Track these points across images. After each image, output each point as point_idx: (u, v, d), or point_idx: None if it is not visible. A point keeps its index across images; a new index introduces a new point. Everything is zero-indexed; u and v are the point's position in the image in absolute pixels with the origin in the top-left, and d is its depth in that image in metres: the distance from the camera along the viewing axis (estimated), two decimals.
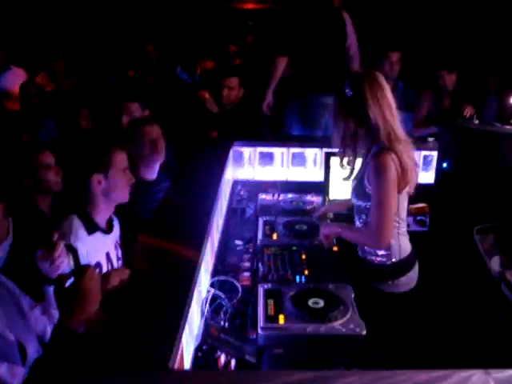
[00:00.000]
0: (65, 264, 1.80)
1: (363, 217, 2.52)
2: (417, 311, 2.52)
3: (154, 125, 3.21)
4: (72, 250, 1.59)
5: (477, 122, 3.51)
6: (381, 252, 2.48)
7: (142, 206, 3.05)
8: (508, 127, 3.53)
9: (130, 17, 6.99)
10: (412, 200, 3.41)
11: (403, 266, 2.50)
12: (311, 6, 4.36)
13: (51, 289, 1.68)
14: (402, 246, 2.50)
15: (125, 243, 2.57)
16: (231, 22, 7.16)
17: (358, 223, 2.58)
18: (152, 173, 3.24)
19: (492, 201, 3.03)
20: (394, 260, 2.48)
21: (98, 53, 6.24)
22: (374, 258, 2.52)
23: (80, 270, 1.60)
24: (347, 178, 2.57)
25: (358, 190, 2.50)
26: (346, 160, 2.54)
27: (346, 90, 2.37)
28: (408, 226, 3.33)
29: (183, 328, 1.63)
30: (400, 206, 2.45)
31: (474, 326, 2.49)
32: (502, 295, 2.89)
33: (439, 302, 2.68)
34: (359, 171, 2.53)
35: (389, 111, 2.36)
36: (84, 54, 6.24)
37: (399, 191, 2.37)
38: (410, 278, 2.53)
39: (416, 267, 2.55)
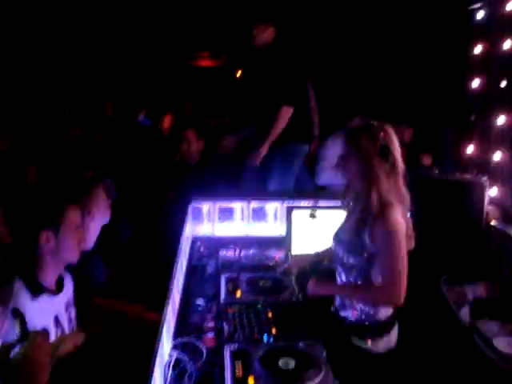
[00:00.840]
0: (4, 331, 1.63)
1: (354, 273, 2.45)
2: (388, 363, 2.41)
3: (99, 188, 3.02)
4: (18, 315, 1.43)
5: (436, 171, 3.53)
6: (362, 308, 2.42)
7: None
8: (468, 176, 3.56)
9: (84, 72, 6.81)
10: None
11: (386, 325, 2.43)
12: None
13: None
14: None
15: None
16: (189, 79, 7.14)
17: (345, 279, 2.51)
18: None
19: (458, 250, 3.00)
20: (377, 318, 2.41)
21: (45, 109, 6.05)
22: (351, 313, 2.45)
23: (27, 337, 1.43)
24: (349, 233, 2.47)
25: (353, 246, 2.42)
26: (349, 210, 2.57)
27: (380, 140, 2.34)
28: None
29: None
30: None
31: (450, 379, 2.40)
32: (474, 345, 2.83)
33: (412, 356, 2.57)
34: (353, 226, 2.46)
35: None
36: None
37: None
38: (391, 339, 2.45)
39: (396, 327, 2.48)
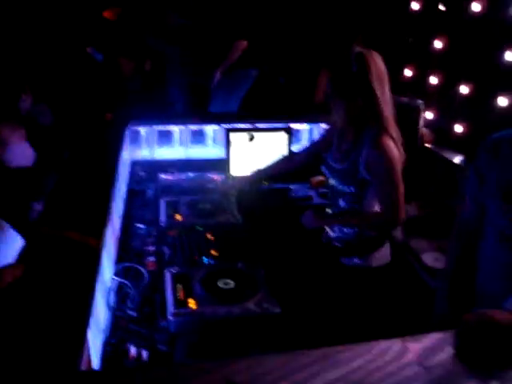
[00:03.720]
0: None
1: (349, 201, 2.53)
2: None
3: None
4: None
5: None
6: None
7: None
8: (404, 99, 3.62)
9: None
10: (312, 172, 3.45)
11: (374, 242, 2.58)
12: None
13: None
14: None
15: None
16: None
17: (340, 207, 2.58)
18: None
19: None
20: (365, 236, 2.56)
21: None
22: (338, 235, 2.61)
23: None
24: (341, 163, 2.52)
25: (347, 175, 2.47)
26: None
27: (352, 66, 2.32)
28: (311, 198, 3.38)
29: (88, 324, 1.50)
30: None
31: (386, 295, 2.53)
32: (406, 260, 2.99)
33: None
34: (344, 155, 2.51)
35: (388, 91, 2.37)
36: None
37: None
38: (382, 254, 2.60)
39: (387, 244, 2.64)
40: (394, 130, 2.43)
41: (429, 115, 3.77)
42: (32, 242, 2.06)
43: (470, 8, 3.29)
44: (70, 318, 1.50)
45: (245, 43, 4.40)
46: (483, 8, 3.21)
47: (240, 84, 4.57)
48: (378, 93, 2.34)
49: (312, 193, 3.48)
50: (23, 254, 2.16)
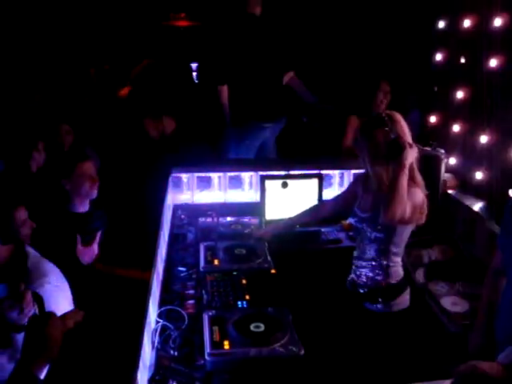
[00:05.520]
0: (32, 312, 1.90)
1: (375, 243, 2.75)
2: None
3: (91, 161, 3.33)
4: (37, 298, 1.73)
5: None
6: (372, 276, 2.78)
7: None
8: (427, 149, 3.83)
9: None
10: (343, 216, 3.65)
11: (396, 288, 2.77)
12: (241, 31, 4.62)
13: (19, 336, 1.79)
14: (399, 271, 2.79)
15: None
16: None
17: (372, 252, 2.78)
18: (85, 206, 3.39)
19: None
20: (388, 282, 2.75)
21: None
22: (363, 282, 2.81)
23: (44, 317, 1.71)
24: (369, 211, 2.74)
25: (374, 221, 2.68)
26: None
27: (391, 132, 2.59)
28: (341, 241, 3.59)
29: (138, 365, 1.77)
30: (405, 237, 2.72)
31: (406, 339, 2.71)
32: (426, 304, 3.17)
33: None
34: (371, 204, 2.74)
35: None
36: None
37: (412, 222, 2.65)
38: (403, 300, 2.79)
39: (408, 289, 2.82)
40: (419, 177, 2.67)
41: (452, 160, 3.98)
42: (88, 280, 2.36)
43: (488, 63, 3.52)
44: (123, 359, 1.77)
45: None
46: (500, 64, 3.43)
47: (251, 135, 4.81)
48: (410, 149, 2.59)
49: (342, 235, 3.70)
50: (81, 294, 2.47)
